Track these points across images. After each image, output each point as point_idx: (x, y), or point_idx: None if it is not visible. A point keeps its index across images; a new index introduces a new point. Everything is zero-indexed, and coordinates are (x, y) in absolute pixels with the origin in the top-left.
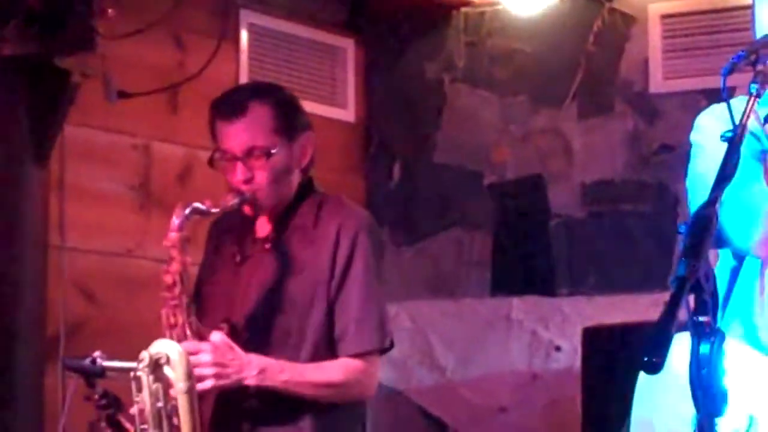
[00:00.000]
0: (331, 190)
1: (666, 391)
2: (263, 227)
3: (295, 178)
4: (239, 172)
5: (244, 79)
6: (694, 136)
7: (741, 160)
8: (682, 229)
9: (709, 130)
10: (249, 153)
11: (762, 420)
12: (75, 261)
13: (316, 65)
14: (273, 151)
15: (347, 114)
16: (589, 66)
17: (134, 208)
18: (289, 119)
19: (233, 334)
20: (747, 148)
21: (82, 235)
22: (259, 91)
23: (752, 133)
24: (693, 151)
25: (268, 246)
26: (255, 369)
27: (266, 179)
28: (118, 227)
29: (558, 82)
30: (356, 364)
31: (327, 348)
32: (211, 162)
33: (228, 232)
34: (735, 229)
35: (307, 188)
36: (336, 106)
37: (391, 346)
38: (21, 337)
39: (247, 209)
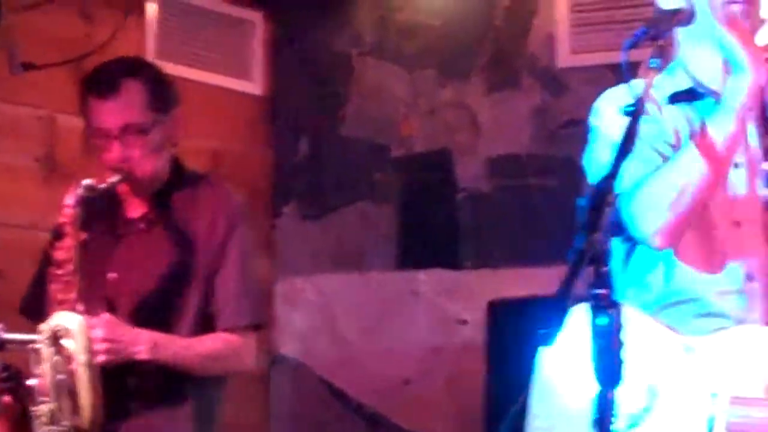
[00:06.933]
0: (237, 162)
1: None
2: (135, 208)
3: (167, 155)
4: (115, 150)
5: (150, 51)
6: (592, 120)
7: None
8: (581, 202)
9: (606, 115)
10: (125, 130)
11: (662, 391)
12: None
13: (224, 38)
14: (148, 127)
15: (254, 87)
16: (497, 40)
17: (39, 181)
18: (162, 94)
19: (112, 312)
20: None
21: None
22: (130, 67)
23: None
24: (591, 134)
25: (143, 226)
26: (146, 343)
27: (142, 156)
28: (23, 200)
29: (465, 55)
30: (234, 337)
31: (203, 324)
32: (87, 139)
33: (92, 213)
34: (638, 217)
35: (178, 167)
36: (243, 78)
37: (264, 324)
38: None
39: (124, 186)
